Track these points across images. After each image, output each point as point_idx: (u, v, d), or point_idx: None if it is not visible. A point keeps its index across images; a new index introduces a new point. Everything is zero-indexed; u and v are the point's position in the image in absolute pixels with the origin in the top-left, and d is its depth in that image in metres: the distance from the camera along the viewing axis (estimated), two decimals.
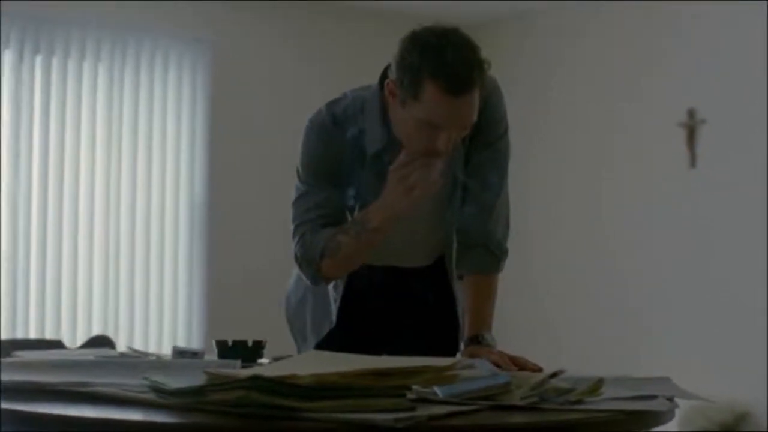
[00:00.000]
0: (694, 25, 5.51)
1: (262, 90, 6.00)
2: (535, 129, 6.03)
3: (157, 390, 1.55)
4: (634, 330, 5.67)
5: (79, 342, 4.58)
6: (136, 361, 1.96)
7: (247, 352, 2.14)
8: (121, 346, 5.49)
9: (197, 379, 1.50)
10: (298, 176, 2.44)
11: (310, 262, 2.36)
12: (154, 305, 5.70)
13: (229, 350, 2.14)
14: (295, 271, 2.65)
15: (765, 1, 5.15)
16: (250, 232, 5.75)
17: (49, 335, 5.26)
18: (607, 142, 5.92)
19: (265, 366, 1.83)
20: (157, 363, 1.97)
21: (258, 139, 5.92)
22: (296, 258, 2.39)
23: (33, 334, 5.29)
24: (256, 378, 1.41)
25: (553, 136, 6.20)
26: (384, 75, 2.30)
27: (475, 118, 2.20)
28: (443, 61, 2.12)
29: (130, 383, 1.65)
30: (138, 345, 5.55)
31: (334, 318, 2.52)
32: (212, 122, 5.86)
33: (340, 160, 2.36)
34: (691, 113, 5.51)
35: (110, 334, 5.45)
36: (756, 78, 5.22)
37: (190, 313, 5.80)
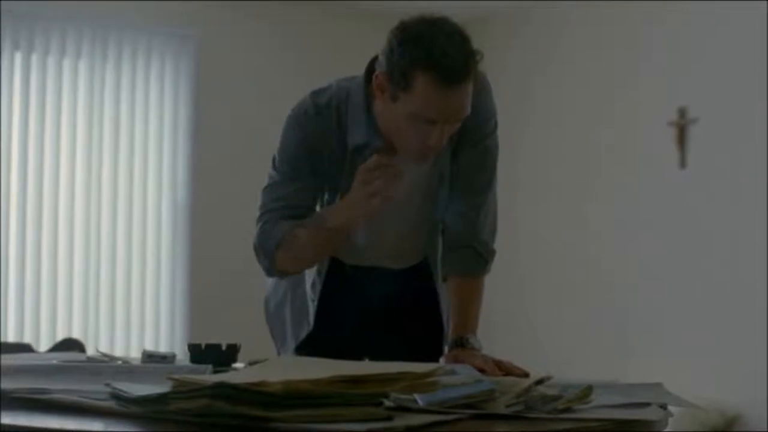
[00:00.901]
0: (685, 22, 5.46)
1: (247, 87, 5.93)
2: (523, 128, 5.98)
3: (118, 398, 1.45)
4: (623, 331, 5.63)
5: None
6: (100, 366, 1.86)
7: (221, 356, 2.04)
8: (101, 350, 5.43)
9: (163, 386, 1.41)
10: (273, 164, 2.36)
11: (266, 252, 2.29)
12: (135, 307, 5.61)
13: (201, 354, 2.04)
14: None
15: (758, 0, 5.09)
16: (235, 232, 5.62)
17: (27, 338, 5.16)
18: (596, 142, 5.87)
19: (235, 372, 1.74)
20: (123, 368, 1.87)
21: (242, 137, 5.83)
22: (254, 246, 2.32)
23: (11, 337, 5.19)
24: (221, 385, 1.32)
25: (540, 135, 6.15)
26: (370, 67, 2.21)
27: (469, 110, 2.12)
28: (435, 51, 2.03)
29: (92, 390, 1.56)
30: (119, 348, 5.47)
31: (311, 320, 2.43)
32: (196, 120, 5.79)
33: (318, 153, 2.28)
34: (682, 112, 5.46)
35: (90, 337, 5.40)
36: (748, 76, 5.16)
37: (173, 315, 5.71)
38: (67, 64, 5.46)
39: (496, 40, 5.92)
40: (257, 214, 2.35)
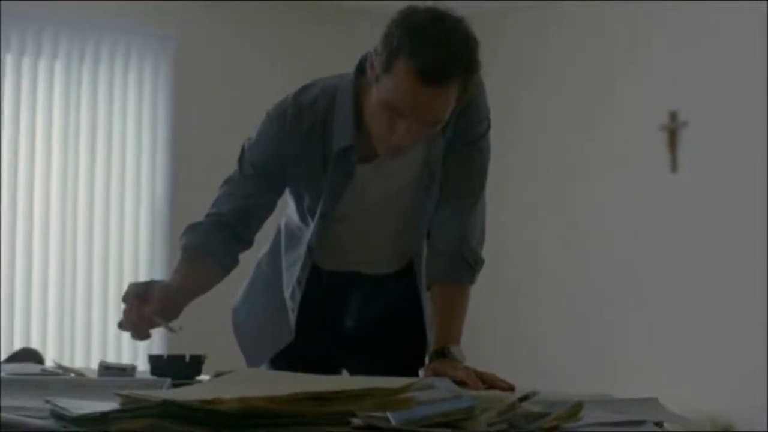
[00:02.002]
0: (677, 23, 5.39)
1: (226, 89, 5.81)
2: (511, 133, 5.86)
3: (57, 416, 1.31)
4: (613, 340, 5.56)
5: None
6: (48, 380, 1.72)
7: (184, 368, 1.91)
8: (78, 362, 5.28)
9: (113, 402, 1.27)
10: (241, 157, 2.25)
11: (182, 236, 2.33)
12: (112, 315, 5.46)
13: (162, 366, 1.91)
14: (246, 282, 2.44)
15: (749, 1, 5.02)
16: None
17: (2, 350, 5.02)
18: (585, 146, 5.79)
19: (191, 387, 1.60)
20: (74, 382, 1.74)
21: (223, 141, 5.68)
22: (188, 225, 2.33)
23: None
24: (167, 403, 1.18)
25: (529, 140, 6.06)
26: (361, 64, 2.09)
27: (445, 117, 1.99)
28: (426, 42, 1.90)
29: (34, 407, 1.42)
30: (96, 359, 5.32)
31: (293, 329, 2.31)
32: (175, 123, 5.65)
33: (296, 157, 2.15)
34: (673, 115, 5.39)
35: (66, 346, 5.26)
36: (740, 78, 5.11)
37: None
38: (42, 65, 5.33)
39: (483, 42, 5.80)
40: (218, 192, 2.31)
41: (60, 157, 5.36)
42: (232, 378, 1.66)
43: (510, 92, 5.91)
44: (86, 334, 5.39)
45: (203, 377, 1.94)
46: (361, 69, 2.09)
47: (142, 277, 5.54)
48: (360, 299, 2.39)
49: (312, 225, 2.24)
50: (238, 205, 2.23)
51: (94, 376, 1.90)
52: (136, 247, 5.56)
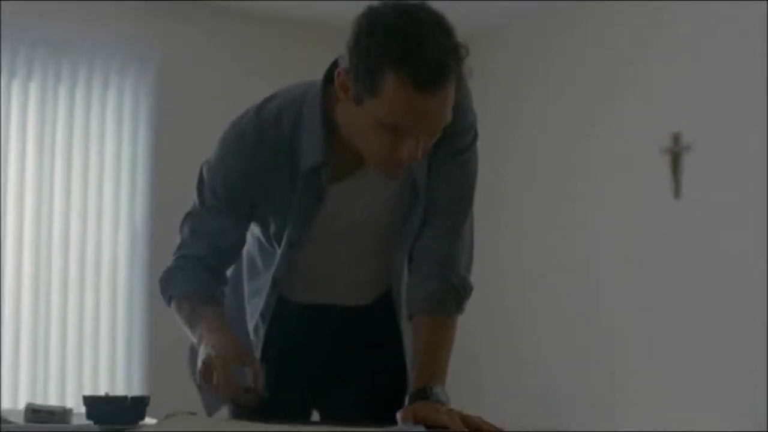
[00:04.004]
0: (680, 42, 5.26)
1: (210, 109, 5.62)
2: (506, 154, 5.77)
3: None
4: (614, 368, 5.40)
5: None
6: None
7: (124, 411, 1.67)
8: (52, 397, 5.05)
9: None
10: (200, 182, 2.02)
11: (163, 296, 2.07)
12: (88, 350, 5.24)
13: (100, 409, 1.67)
14: None
15: (756, 21, 4.89)
16: None
17: None
18: (584, 169, 5.64)
19: None
20: None
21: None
22: (161, 278, 2.09)
23: None
24: None
25: (525, 163, 5.92)
26: (331, 70, 1.86)
27: (449, 118, 1.76)
28: (409, 46, 1.68)
29: None
30: (70, 395, 5.10)
31: None
32: (156, 144, 5.48)
33: (262, 181, 1.93)
34: (676, 138, 5.23)
35: (39, 382, 5.07)
36: (746, 100, 4.95)
37: (129, 355, 5.34)
38: (16, 84, 5.14)
39: (478, 59, 5.67)
40: (178, 237, 2.09)
41: (34, 183, 5.16)
42: (169, 426, 1.42)
43: (506, 114, 5.81)
44: (60, 368, 5.16)
45: (148, 420, 1.72)
46: (329, 78, 1.87)
47: (122, 304, 5.36)
48: (332, 334, 2.17)
49: (278, 252, 2.01)
50: (212, 247, 2.05)
51: (20, 419, 1.66)
52: (113, 274, 5.35)
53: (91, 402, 1.68)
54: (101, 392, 5.08)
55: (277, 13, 5.84)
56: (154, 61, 5.49)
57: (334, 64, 1.86)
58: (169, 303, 2.06)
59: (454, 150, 1.96)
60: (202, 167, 2.02)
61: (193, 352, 2.20)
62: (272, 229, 2.00)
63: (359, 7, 1.78)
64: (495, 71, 5.84)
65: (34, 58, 5.19)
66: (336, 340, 2.18)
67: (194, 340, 1.97)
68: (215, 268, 2.06)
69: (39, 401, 4.96)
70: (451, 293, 2.01)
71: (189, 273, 2.03)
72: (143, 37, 5.51)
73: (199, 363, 1.83)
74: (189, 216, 2.08)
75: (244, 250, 2.15)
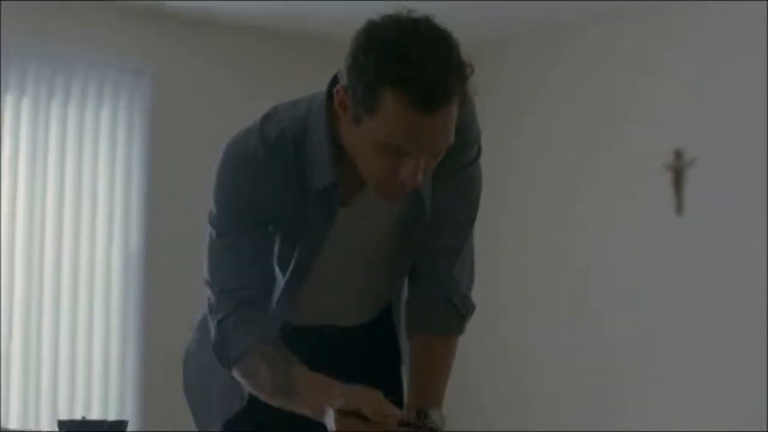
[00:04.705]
0: (681, 57, 5.27)
1: (205, 126, 5.63)
2: (508, 170, 5.76)
3: None
4: (616, 390, 5.40)
5: None
6: None
7: None
8: (43, 420, 4.98)
9: None
10: (212, 221, 1.90)
11: (222, 360, 1.90)
12: (81, 369, 5.17)
13: None
14: (197, 323, 2.12)
15: (759, 34, 4.91)
16: (192, 283, 5.27)
17: None
18: (587, 185, 5.63)
19: None
20: None
21: (202, 180, 5.46)
22: (213, 343, 1.91)
23: None
24: None
25: (527, 178, 5.90)
26: (333, 83, 1.78)
27: (451, 139, 1.69)
28: (409, 63, 1.61)
29: None
30: (63, 414, 5.04)
31: (245, 394, 1.99)
32: (151, 161, 5.43)
33: (272, 200, 1.84)
34: (678, 154, 5.23)
35: (30, 402, 5.01)
36: (748, 117, 4.96)
37: (123, 376, 5.27)
38: (9, 101, 5.07)
39: (479, 75, 5.65)
40: (207, 289, 1.91)
41: (26, 200, 5.10)
42: None
43: (508, 127, 5.80)
44: (52, 391, 5.08)
45: None
46: (331, 93, 1.79)
47: (115, 325, 5.29)
48: (330, 353, 2.07)
49: (282, 279, 1.92)
50: (244, 283, 1.89)
51: None
52: (107, 295, 5.29)
53: (65, 426, 1.60)
54: (93, 412, 5.06)
55: (271, 29, 5.83)
56: (148, 77, 5.46)
57: (335, 80, 1.79)
58: (232, 366, 1.90)
59: (459, 165, 1.90)
60: (212, 209, 1.91)
61: (189, 363, 2.14)
62: (276, 250, 1.91)
63: (355, 21, 1.71)
64: (497, 87, 5.84)
65: (27, 73, 5.14)
66: (334, 359, 2.09)
67: (298, 405, 1.83)
68: (263, 302, 1.92)
69: (31, 420, 4.93)
70: (452, 312, 1.97)
71: (240, 322, 1.88)
72: (137, 53, 5.49)
73: (333, 419, 1.69)
74: (212, 255, 1.91)
75: None
